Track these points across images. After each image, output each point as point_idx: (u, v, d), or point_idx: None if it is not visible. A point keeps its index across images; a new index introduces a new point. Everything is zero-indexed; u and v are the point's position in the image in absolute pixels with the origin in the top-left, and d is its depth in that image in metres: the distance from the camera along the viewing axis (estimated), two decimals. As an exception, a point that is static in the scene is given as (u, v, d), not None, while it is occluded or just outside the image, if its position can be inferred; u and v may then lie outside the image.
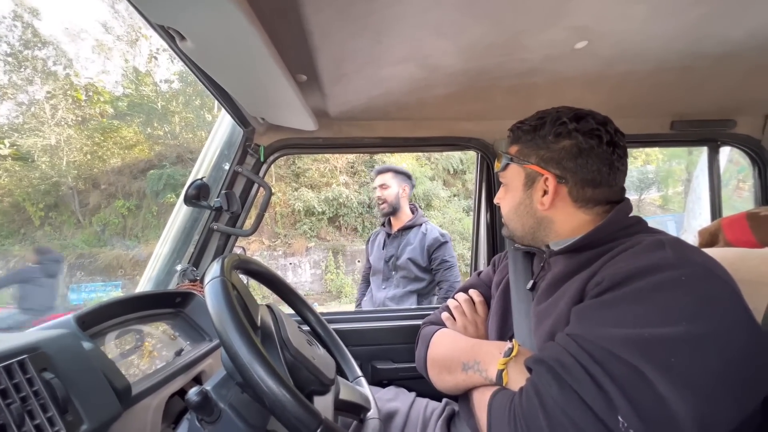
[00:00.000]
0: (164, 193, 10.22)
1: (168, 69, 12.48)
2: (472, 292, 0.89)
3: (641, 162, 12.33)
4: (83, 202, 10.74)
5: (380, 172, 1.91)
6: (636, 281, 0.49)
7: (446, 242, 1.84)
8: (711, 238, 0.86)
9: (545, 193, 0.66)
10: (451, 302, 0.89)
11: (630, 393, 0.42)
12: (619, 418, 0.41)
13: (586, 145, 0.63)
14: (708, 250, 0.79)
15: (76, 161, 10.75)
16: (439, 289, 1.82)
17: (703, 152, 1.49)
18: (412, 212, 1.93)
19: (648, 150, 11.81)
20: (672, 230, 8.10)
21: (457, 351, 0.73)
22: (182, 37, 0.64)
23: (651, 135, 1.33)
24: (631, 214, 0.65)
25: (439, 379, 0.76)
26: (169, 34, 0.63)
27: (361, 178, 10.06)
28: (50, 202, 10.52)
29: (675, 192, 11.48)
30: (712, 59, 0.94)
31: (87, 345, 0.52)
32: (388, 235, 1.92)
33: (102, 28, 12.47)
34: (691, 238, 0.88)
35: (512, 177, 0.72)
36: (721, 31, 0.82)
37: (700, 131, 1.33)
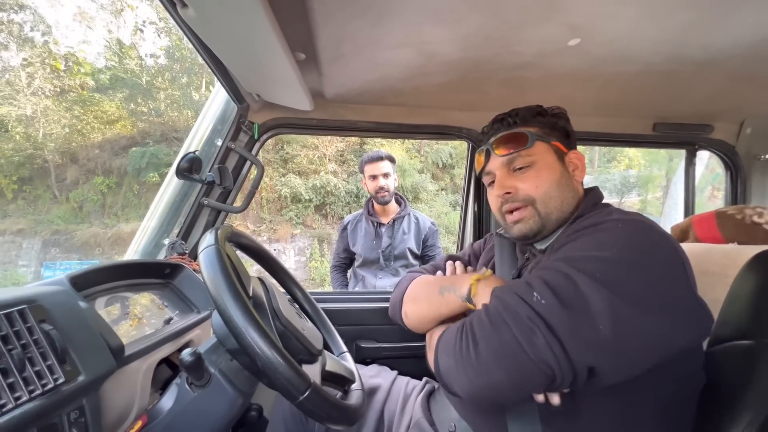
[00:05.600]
0: (146, 171, 9.92)
1: (154, 43, 12.03)
2: (458, 265, 0.93)
3: (624, 166, 12.66)
4: (60, 176, 10.34)
5: (380, 158, 1.83)
6: (582, 231, 0.58)
7: (437, 229, 1.97)
8: (682, 234, 0.91)
9: (575, 168, 0.72)
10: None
11: (550, 282, 0.50)
12: (534, 293, 0.50)
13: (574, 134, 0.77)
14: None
15: (53, 134, 10.31)
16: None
17: (682, 158, 1.56)
18: (398, 202, 1.96)
19: (630, 155, 12.14)
20: (648, 233, 8.38)
21: (436, 281, 0.79)
22: (183, 4, 0.63)
23: (634, 135, 1.38)
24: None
25: (414, 307, 0.80)
26: (170, 0, 0.63)
27: (350, 167, 10.00)
28: (24, 174, 10.09)
29: (654, 197, 11.86)
30: (695, 65, 0.98)
31: (82, 304, 0.53)
32: (379, 224, 1.90)
33: (84, -4, 11.88)
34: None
35: (543, 153, 0.71)
36: (704, 37, 0.86)
37: (680, 134, 1.39)
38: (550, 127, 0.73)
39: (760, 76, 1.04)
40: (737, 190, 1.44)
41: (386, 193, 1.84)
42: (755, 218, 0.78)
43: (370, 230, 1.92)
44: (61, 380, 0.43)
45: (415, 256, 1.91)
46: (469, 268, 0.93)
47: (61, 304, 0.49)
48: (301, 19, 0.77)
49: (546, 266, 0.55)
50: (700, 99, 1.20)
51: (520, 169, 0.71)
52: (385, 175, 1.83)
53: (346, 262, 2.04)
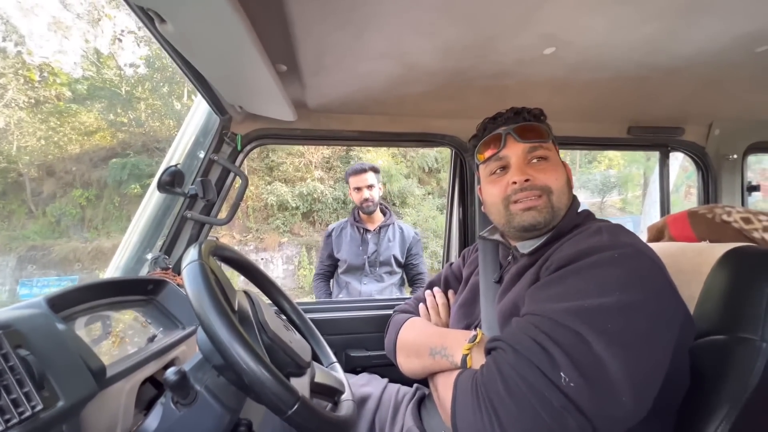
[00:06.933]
0: (128, 183, 9.69)
1: (133, 53, 11.80)
2: (436, 290, 0.95)
3: (604, 166, 13.00)
4: (36, 190, 10.01)
5: (363, 170, 1.89)
6: (577, 262, 0.56)
7: (420, 239, 2.04)
8: (657, 233, 0.94)
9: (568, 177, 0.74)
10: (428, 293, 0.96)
11: (570, 353, 0.47)
12: (561, 374, 0.46)
13: None
14: (653, 244, 0.88)
15: (28, 146, 9.99)
16: (419, 279, 2.00)
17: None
18: (383, 211, 2.01)
19: (610, 155, 12.48)
20: (630, 231, 8.63)
21: (425, 337, 0.78)
22: (162, 20, 0.63)
23: (610, 138, 1.43)
24: (580, 209, 0.73)
25: (407, 361, 0.80)
26: (148, 16, 0.62)
27: (337, 174, 9.98)
28: (-3, 189, 9.74)
29: (634, 195, 12.21)
30: (664, 71, 1.03)
31: (60, 326, 0.52)
32: (366, 230, 1.94)
33: (60, 4, 11.59)
34: (645, 238, 0.97)
35: (554, 152, 0.73)
36: (672, 46, 0.90)
37: (653, 137, 1.45)
38: (549, 130, 0.75)
39: (725, 81, 1.10)
40: (709, 189, 1.51)
41: (371, 204, 1.89)
42: (724, 217, 0.81)
43: (356, 236, 1.96)
44: (39, 407, 0.42)
45: (399, 264, 1.96)
46: (450, 291, 0.95)
47: (38, 328, 0.48)
48: (282, 32, 0.78)
49: (552, 317, 0.51)
50: (670, 103, 1.26)
51: (538, 160, 0.70)
52: (370, 187, 1.89)
53: (330, 270, 2.05)
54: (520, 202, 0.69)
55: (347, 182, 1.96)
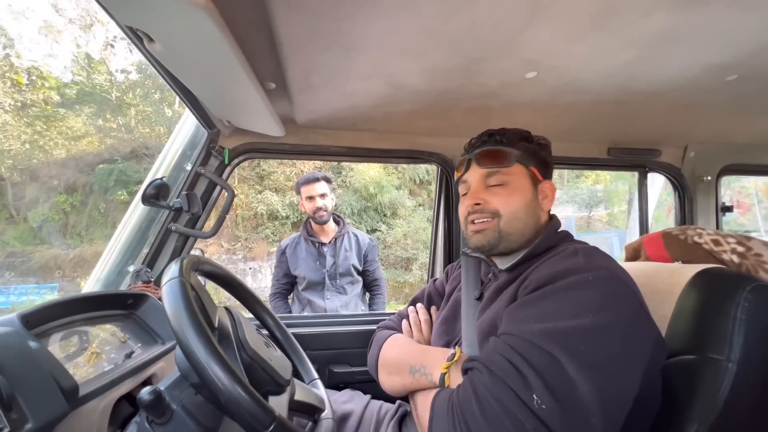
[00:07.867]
0: (114, 189, 9.53)
1: (126, 59, 11.73)
2: (419, 307, 0.95)
3: (591, 181, 13.26)
4: (18, 195, 9.76)
5: (316, 180, 1.85)
6: (553, 283, 0.58)
7: (375, 245, 2.04)
8: (634, 253, 0.97)
9: (545, 197, 0.76)
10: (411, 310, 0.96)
11: (544, 375, 0.48)
12: (534, 396, 0.47)
13: (552, 166, 0.81)
14: (629, 264, 0.90)
15: (12, 150, 9.77)
16: (376, 285, 1.99)
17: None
18: (336, 221, 1.96)
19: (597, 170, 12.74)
20: (615, 245, 8.80)
21: (406, 355, 0.78)
22: (150, 39, 0.64)
23: (590, 159, 1.48)
24: (561, 229, 0.75)
25: (388, 379, 0.81)
26: (137, 35, 0.63)
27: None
28: (-23, 193, 9.47)
29: (620, 210, 12.44)
30: (641, 96, 1.07)
31: (33, 344, 0.51)
32: (321, 244, 1.89)
33: (52, 9, 11.51)
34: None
35: (518, 175, 0.75)
36: (648, 72, 0.94)
37: (632, 158, 1.50)
38: (532, 153, 0.77)
39: (699, 106, 1.15)
40: (685, 209, 1.56)
41: (324, 213, 1.84)
42: (696, 238, 0.84)
43: (312, 251, 1.89)
44: (6, 430, 0.41)
45: (358, 272, 1.94)
46: (433, 308, 0.95)
47: (8, 348, 0.47)
48: (271, 52, 0.80)
49: (527, 338, 0.52)
50: (648, 126, 1.31)
51: (495, 185, 0.74)
52: (322, 196, 1.84)
53: (287, 288, 1.97)
54: (474, 223, 0.74)
55: (298, 192, 1.90)
